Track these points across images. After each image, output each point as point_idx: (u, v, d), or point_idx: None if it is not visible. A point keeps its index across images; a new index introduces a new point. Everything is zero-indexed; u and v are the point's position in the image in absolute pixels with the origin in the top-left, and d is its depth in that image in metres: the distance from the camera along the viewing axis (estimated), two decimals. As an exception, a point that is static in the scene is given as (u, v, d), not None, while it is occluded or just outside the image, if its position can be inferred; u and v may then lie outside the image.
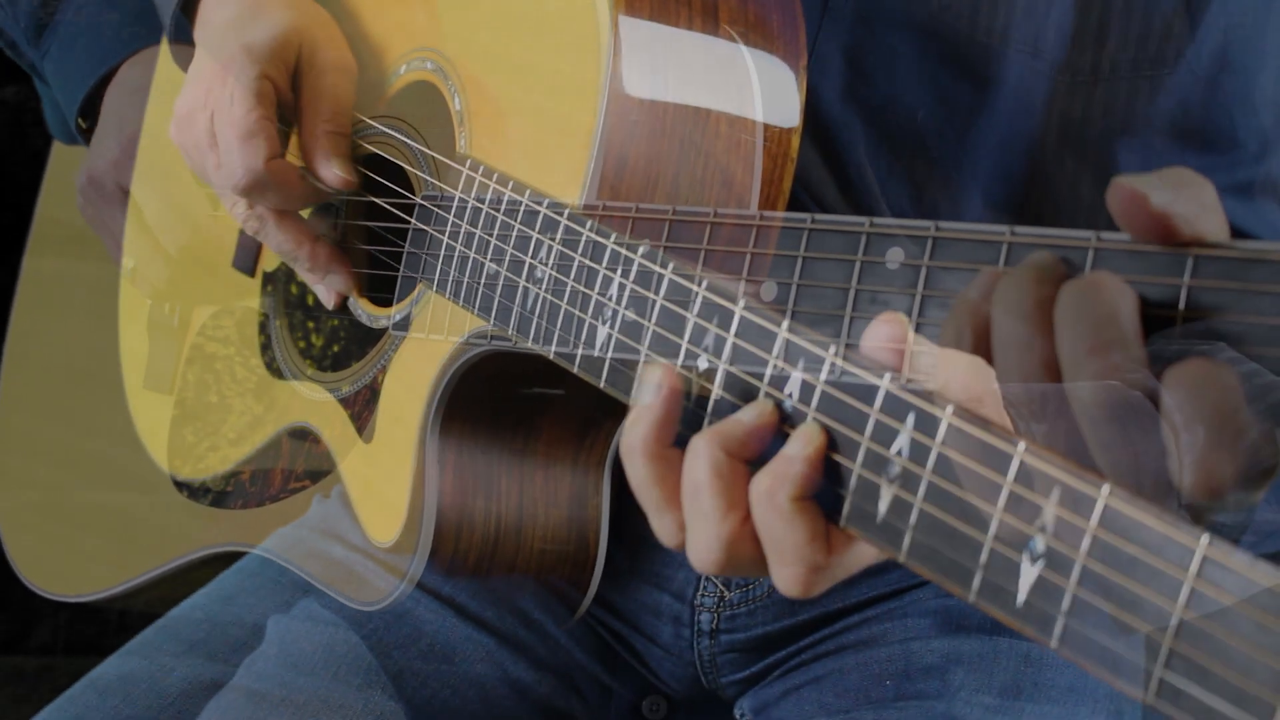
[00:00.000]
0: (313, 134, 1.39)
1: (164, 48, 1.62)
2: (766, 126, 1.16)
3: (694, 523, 0.96)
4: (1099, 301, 0.78)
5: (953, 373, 0.85)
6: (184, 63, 1.47)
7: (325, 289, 1.44)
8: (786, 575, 0.93)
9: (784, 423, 0.94)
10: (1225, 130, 1.29)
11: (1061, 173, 1.31)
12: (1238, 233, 1.28)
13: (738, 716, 1.45)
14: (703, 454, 0.95)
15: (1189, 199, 0.79)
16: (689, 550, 0.97)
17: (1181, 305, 0.77)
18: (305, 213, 1.47)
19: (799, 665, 1.42)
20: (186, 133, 1.40)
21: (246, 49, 1.36)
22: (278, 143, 1.37)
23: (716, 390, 0.97)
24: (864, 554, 0.94)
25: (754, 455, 0.95)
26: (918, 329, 0.89)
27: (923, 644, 1.37)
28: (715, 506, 0.95)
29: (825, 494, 0.90)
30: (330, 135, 1.38)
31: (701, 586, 1.42)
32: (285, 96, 1.39)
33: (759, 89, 1.17)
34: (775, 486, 0.91)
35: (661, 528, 1.00)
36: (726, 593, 1.41)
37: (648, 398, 0.98)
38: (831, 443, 0.90)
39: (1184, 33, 1.27)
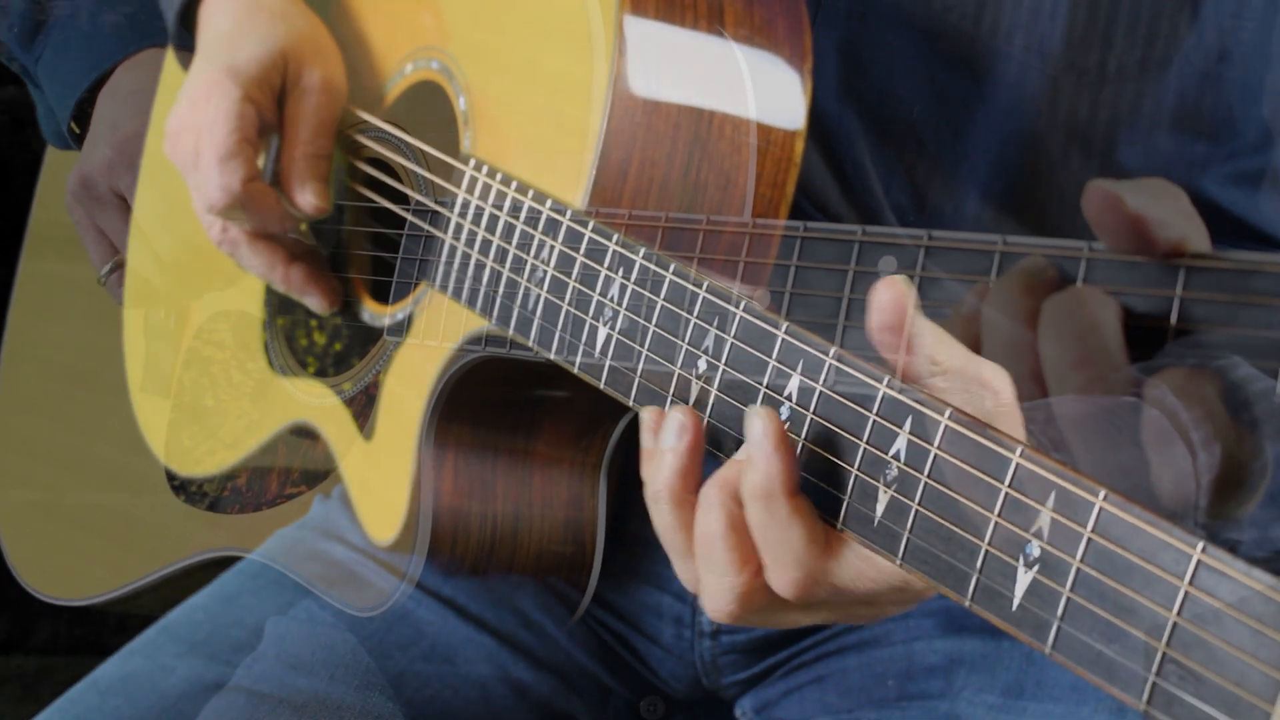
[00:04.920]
0: (291, 157, 1.38)
1: (169, 53, 1.63)
2: (770, 129, 1.16)
3: (707, 575, 0.95)
4: (1082, 314, 0.78)
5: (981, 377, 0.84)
6: (188, 66, 1.48)
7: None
8: (784, 579, 0.93)
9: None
10: (1225, 120, 1.28)
11: (1067, 171, 1.31)
12: (1240, 223, 1.28)
13: (738, 715, 1.45)
14: (715, 506, 0.94)
15: (1166, 207, 0.79)
16: (703, 600, 0.97)
17: (1174, 318, 0.77)
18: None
19: (801, 665, 1.42)
20: (176, 151, 1.40)
21: (232, 70, 1.36)
22: (255, 165, 1.37)
23: (715, 392, 0.97)
24: (860, 570, 0.92)
25: None
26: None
27: (925, 644, 1.37)
28: (730, 561, 0.94)
29: (823, 496, 0.90)
30: (308, 159, 1.38)
31: (702, 587, 1.42)
32: (269, 118, 1.39)
33: (763, 92, 1.17)
34: (769, 485, 0.91)
35: (685, 573, 0.99)
36: (727, 593, 1.41)
37: (670, 442, 0.97)
38: (829, 445, 0.90)
39: (1187, 31, 1.27)
